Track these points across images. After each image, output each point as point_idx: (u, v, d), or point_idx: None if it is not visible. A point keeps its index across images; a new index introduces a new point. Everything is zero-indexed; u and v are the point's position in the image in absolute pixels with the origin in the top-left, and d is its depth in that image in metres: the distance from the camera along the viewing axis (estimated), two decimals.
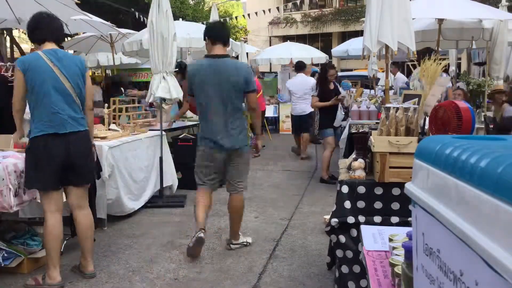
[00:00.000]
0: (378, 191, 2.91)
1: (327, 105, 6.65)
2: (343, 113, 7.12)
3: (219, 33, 3.99)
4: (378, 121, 3.60)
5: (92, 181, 3.80)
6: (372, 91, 10.22)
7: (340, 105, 6.90)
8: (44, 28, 3.37)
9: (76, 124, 3.37)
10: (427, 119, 2.89)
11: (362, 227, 2.61)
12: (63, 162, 3.33)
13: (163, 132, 5.80)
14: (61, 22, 3.51)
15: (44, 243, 3.44)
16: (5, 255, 3.61)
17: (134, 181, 5.18)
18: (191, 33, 8.42)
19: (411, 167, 1.29)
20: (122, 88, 8.40)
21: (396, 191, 2.86)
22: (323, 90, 6.76)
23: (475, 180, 0.85)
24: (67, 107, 3.31)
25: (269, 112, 11.18)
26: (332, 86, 6.85)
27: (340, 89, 7.41)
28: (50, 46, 3.36)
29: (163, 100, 5.90)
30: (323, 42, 29.17)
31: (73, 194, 3.52)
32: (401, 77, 9.94)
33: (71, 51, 13.71)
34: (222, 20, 13.03)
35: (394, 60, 8.41)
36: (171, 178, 5.93)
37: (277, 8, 21.04)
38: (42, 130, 3.27)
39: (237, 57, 11.12)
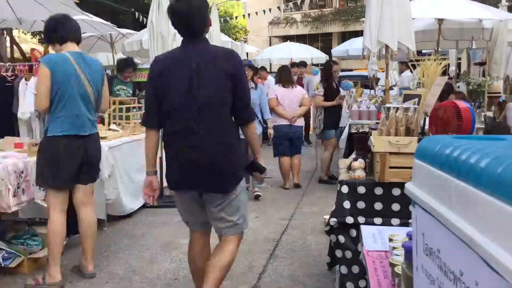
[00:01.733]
0: (378, 191, 2.91)
1: (332, 105, 6.42)
2: (347, 111, 6.88)
3: None
4: (378, 121, 3.60)
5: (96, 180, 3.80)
6: (372, 91, 10.22)
7: (344, 104, 6.71)
8: (66, 28, 3.39)
9: (92, 126, 3.49)
10: (427, 119, 2.89)
11: (362, 227, 2.61)
12: (81, 162, 3.41)
13: None
14: (78, 23, 3.54)
15: (47, 241, 3.45)
16: (5, 255, 3.61)
17: (134, 181, 5.17)
18: None
19: (411, 167, 1.29)
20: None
21: (396, 191, 2.86)
22: (328, 88, 6.50)
23: (475, 180, 0.85)
24: (86, 111, 3.41)
25: None
26: (334, 86, 6.75)
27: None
28: (72, 47, 3.40)
29: None
30: (323, 42, 29.18)
31: (80, 192, 3.53)
32: (407, 75, 9.92)
33: None
34: (222, 20, 13.01)
35: (396, 59, 8.40)
36: None
37: (278, 7, 21.04)
38: (64, 130, 3.31)
39: None
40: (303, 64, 10.68)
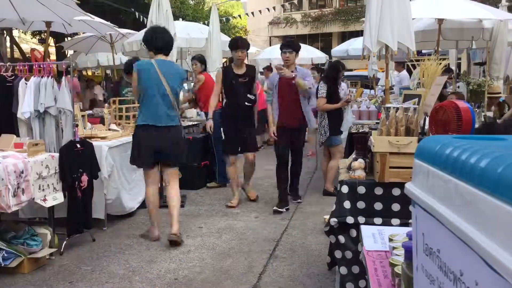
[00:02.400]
0: (378, 191, 2.91)
1: (337, 108, 5.83)
2: (354, 116, 6.28)
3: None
4: (378, 121, 3.60)
5: (179, 164, 4.54)
6: (372, 91, 10.22)
7: (349, 107, 6.15)
8: (160, 41, 4.25)
9: (170, 120, 4.24)
10: (427, 119, 2.89)
11: (362, 227, 2.60)
12: (156, 147, 4.21)
13: None
14: (171, 35, 4.42)
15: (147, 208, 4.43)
16: (5, 255, 3.61)
17: (134, 181, 5.17)
18: (191, 33, 8.42)
19: (411, 167, 1.29)
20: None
21: (396, 191, 2.86)
22: (333, 91, 5.88)
23: (475, 180, 0.85)
24: (165, 107, 4.20)
25: None
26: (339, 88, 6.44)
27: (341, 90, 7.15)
28: (161, 56, 4.26)
29: None
30: (323, 42, 29.20)
31: (165, 173, 4.48)
32: (405, 75, 9.90)
33: (71, 51, 13.74)
34: (223, 19, 12.96)
35: (395, 60, 8.39)
36: None
37: (282, 6, 21.04)
38: (145, 120, 4.19)
39: None
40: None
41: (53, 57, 15.80)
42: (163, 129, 4.20)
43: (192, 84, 13.28)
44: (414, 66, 5.82)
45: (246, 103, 5.48)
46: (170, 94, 4.19)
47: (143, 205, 5.35)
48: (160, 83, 4.14)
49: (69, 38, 13.48)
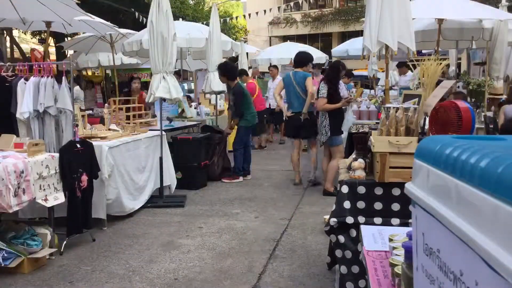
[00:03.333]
0: (378, 191, 2.91)
1: (337, 107, 5.86)
2: (354, 116, 6.18)
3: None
4: (378, 121, 3.60)
5: (312, 137, 6.56)
6: (372, 91, 10.23)
7: (350, 107, 6.11)
8: (300, 60, 6.58)
9: (300, 107, 6.36)
10: (427, 119, 2.89)
11: (362, 227, 2.60)
12: (294, 125, 6.47)
13: (163, 132, 5.80)
14: (303, 54, 6.80)
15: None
16: (5, 255, 3.61)
17: (133, 181, 5.17)
18: (191, 33, 8.41)
19: (411, 167, 1.29)
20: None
21: (396, 191, 2.86)
22: (334, 91, 5.91)
23: (475, 180, 0.85)
24: (296, 100, 6.38)
25: None
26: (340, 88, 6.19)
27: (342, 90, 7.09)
28: (298, 69, 6.46)
29: (163, 100, 5.90)
30: (323, 42, 29.17)
31: (308, 144, 6.77)
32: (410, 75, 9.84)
33: (71, 51, 13.74)
34: (221, 20, 12.95)
35: (394, 59, 8.37)
36: (169, 178, 5.93)
37: (278, 8, 21.04)
38: (290, 108, 6.59)
39: (237, 57, 11.17)
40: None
41: (53, 57, 15.79)
42: (298, 114, 6.39)
43: (192, 84, 13.25)
44: (414, 66, 5.81)
45: None
46: (299, 91, 6.37)
47: (144, 205, 5.38)
48: (293, 85, 6.38)
49: (69, 38, 13.47)
